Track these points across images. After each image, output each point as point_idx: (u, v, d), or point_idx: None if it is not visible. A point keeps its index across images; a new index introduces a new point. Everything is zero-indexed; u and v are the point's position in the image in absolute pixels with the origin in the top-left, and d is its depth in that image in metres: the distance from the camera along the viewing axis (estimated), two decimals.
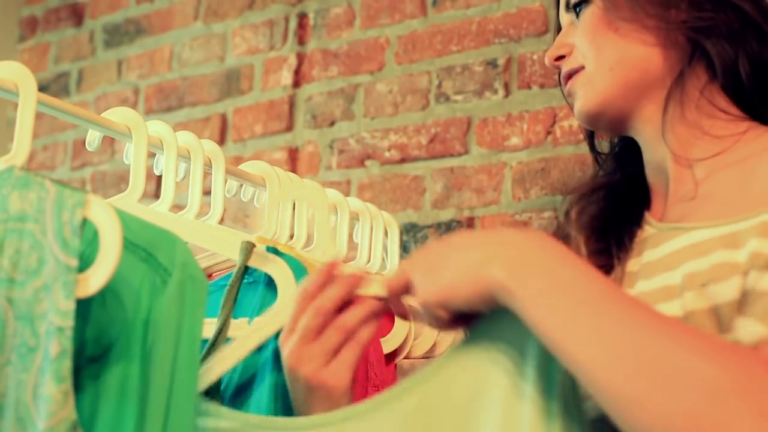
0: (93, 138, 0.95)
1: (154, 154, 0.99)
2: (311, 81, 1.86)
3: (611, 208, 0.94)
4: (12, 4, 2.39)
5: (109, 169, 2.13)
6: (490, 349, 0.71)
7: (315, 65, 1.86)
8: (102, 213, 0.68)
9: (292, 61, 1.90)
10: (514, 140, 1.59)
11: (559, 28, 0.96)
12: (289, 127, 1.87)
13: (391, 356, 1.08)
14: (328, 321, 0.82)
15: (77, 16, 2.29)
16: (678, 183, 0.87)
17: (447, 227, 1.63)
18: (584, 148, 1.52)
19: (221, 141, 1.96)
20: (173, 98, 2.06)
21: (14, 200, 0.70)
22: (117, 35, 2.20)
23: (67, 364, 0.65)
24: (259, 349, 0.94)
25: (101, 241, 0.68)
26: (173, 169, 0.97)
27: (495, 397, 0.70)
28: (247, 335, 0.88)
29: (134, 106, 2.11)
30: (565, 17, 0.93)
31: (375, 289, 0.80)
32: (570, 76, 0.91)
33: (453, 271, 0.71)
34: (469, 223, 1.61)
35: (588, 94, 0.89)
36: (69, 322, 0.65)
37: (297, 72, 1.89)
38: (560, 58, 0.92)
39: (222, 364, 0.86)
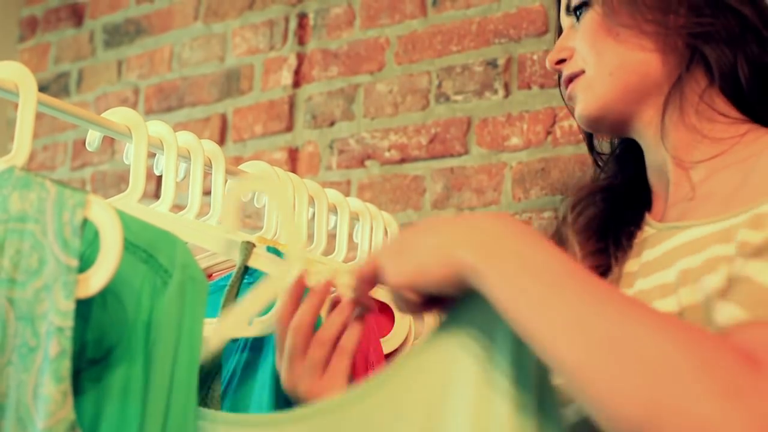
0: (93, 138, 0.95)
1: (154, 154, 0.99)
2: (311, 81, 1.86)
3: (611, 210, 0.95)
4: (12, 4, 2.39)
5: (109, 169, 2.13)
6: (461, 335, 0.71)
7: (315, 65, 1.86)
8: (103, 213, 0.68)
9: (292, 61, 1.90)
10: (514, 140, 1.59)
11: (560, 31, 0.96)
12: (289, 128, 1.87)
13: (391, 356, 1.08)
14: (310, 336, 0.83)
15: (77, 16, 2.29)
16: (678, 185, 0.88)
17: None
18: (584, 148, 1.51)
19: (221, 141, 1.96)
20: (173, 98, 2.06)
21: (15, 200, 0.70)
22: (117, 35, 2.20)
23: (66, 365, 0.65)
24: (260, 349, 0.94)
25: (102, 242, 0.68)
26: (173, 169, 0.97)
27: (465, 384, 0.70)
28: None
29: (134, 106, 2.11)
30: (566, 20, 0.94)
31: (344, 280, 0.80)
32: (571, 80, 0.91)
33: (423, 254, 0.70)
34: None
35: (588, 98, 0.89)
36: (68, 323, 0.65)
37: (297, 72, 1.89)
38: (561, 61, 0.92)
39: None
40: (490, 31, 1.66)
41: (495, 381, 0.69)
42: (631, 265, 0.89)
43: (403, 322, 1.09)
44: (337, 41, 1.84)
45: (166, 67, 2.09)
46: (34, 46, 2.36)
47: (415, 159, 1.69)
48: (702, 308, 0.73)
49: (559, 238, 0.95)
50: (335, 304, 0.86)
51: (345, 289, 0.82)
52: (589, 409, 0.63)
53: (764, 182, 0.76)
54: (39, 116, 0.81)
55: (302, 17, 1.91)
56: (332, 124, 1.81)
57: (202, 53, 2.04)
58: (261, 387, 0.92)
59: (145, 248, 0.71)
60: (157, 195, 0.97)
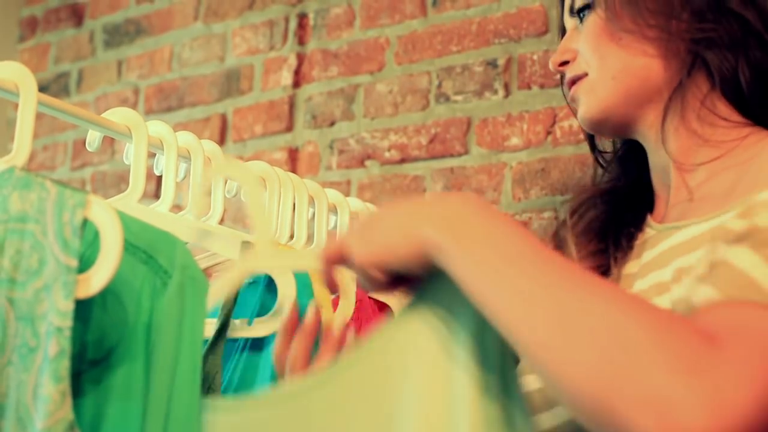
0: (93, 138, 0.95)
1: (154, 155, 0.99)
2: (311, 81, 1.86)
3: (612, 212, 0.95)
4: (12, 4, 2.39)
5: (109, 170, 2.13)
6: (426, 315, 0.72)
7: (315, 65, 1.86)
8: (103, 214, 0.68)
9: (292, 61, 1.90)
10: (514, 140, 1.59)
11: (563, 31, 0.96)
12: (289, 128, 1.87)
13: None
14: (306, 369, 0.83)
15: (77, 16, 2.29)
16: (678, 187, 0.88)
17: None
18: (584, 148, 1.52)
19: (221, 141, 1.96)
20: (173, 98, 2.06)
21: (15, 201, 0.70)
22: (117, 35, 2.20)
23: (65, 365, 0.65)
24: (260, 349, 0.94)
25: (102, 242, 0.68)
26: (173, 169, 0.97)
27: (429, 365, 0.70)
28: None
29: (134, 106, 2.11)
30: (570, 21, 0.94)
31: (308, 261, 0.80)
32: (574, 82, 0.91)
33: (388, 232, 0.71)
34: None
35: (591, 101, 0.89)
36: (68, 323, 0.65)
37: (297, 72, 1.89)
38: (564, 63, 0.93)
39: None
40: (490, 31, 1.66)
41: (458, 361, 0.69)
42: (631, 266, 0.89)
43: None
44: (337, 41, 1.84)
45: (166, 67, 2.09)
46: (34, 46, 2.36)
47: (415, 159, 1.69)
48: (685, 298, 0.73)
49: (558, 241, 0.95)
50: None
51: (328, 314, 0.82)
52: (548, 385, 0.63)
53: (756, 178, 0.76)
54: (39, 116, 0.81)
55: (302, 17, 1.91)
56: (332, 124, 1.81)
57: (202, 53, 2.04)
58: (261, 387, 0.92)
59: (145, 249, 0.71)
60: (157, 195, 0.97)
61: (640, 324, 0.61)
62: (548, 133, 1.56)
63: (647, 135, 0.90)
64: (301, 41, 1.90)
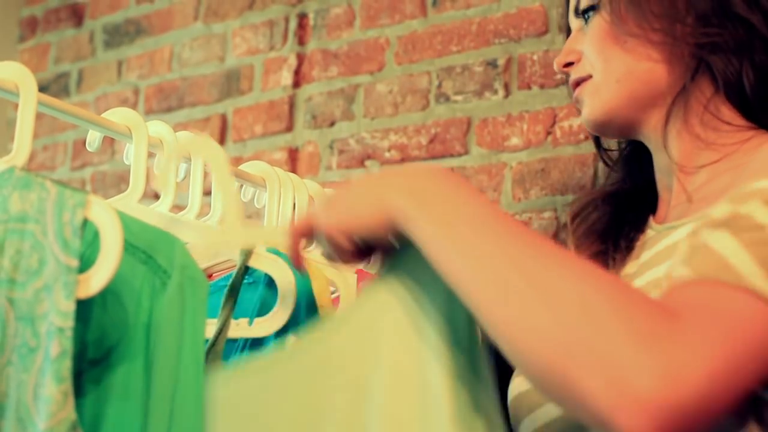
0: (93, 138, 0.95)
1: (154, 155, 0.99)
2: (311, 81, 1.86)
3: (614, 214, 0.95)
4: (12, 4, 2.39)
5: (109, 170, 2.13)
6: (396, 287, 0.72)
7: (315, 65, 1.86)
8: (103, 214, 0.68)
9: (292, 61, 1.90)
10: (514, 140, 1.59)
11: (568, 31, 0.96)
12: (289, 128, 1.87)
13: None
14: None
15: (77, 16, 2.29)
16: (680, 189, 0.88)
17: None
18: (584, 148, 1.52)
19: (221, 141, 1.96)
20: (173, 98, 2.06)
21: (15, 201, 0.70)
22: (117, 35, 2.20)
23: (67, 365, 0.65)
24: (260, 348, 0.94)
25: (102, 242, 0.68)
26: (173, 169, 0.97)
27: (398, 339, 0.71)
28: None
29: (134, 106, 2.11)
30: (575, 21, 0.94)
31: (277, 236, 0.80)
32: (578, 83, 0.92)
33: (356, 200, 0.72)
34: None
35: (595, 103, 0.89)
36: (69, 323, 0.65)
37: (297, 72, 1.89)
38: (569, 64, 0.93)
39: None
40: (490, 31, 1.66)
41: (428, 340, 0.70)
42: (630, 267, 0.89)
43: None
44: (337, 41, 1.84)
45: (166, 67, 2.09)
46: (34, 46, 2.36)
47: (415, 159, 1.69)
48: (664, 277, 0.73)
49: (558, 244, 0.96)
50: None
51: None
52: (505, 350, 0.64)
53: (749, 172, 0.76)
54: (39, 116, 0.81)
55: (302, 17, 1.91)
56: (332, 124, 1.81)
57: (202, 53, 2.04)
58: None
59: (145, 249, 0.71)
60: (157, 195, 0.97)
61: (600, 292, 0.61)
62: (548, 133, 1.56)
63: (651, 137, 0.90)
64: (301, 41, 1.90)
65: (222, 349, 0.90)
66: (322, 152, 1.81)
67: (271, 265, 0.92)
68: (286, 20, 1.93)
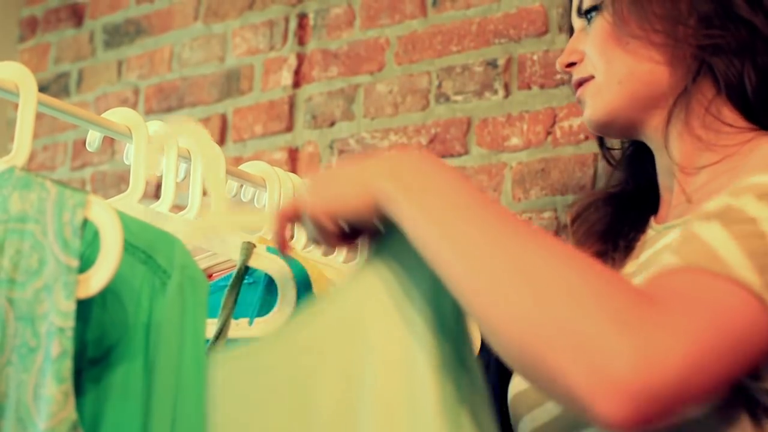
0: (93, 138, 0.95)
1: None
2: (311, 81, 1.86)
3: (615, 215, 0.95)
4: (12, 4, 2.39)
5: (109, 170, 2.13)
6: (382, 270, 0.73)
7: (315, 66, 1.86)
8: (103, 214, 0.68)
9: (292, 61, 1.90)
10: (514, 141, 1.59)
11: (571, 30, 0.97)
12: (289, 128, 1.87)
13: None
14: None
15: (77, 16, 2.29)
16: (680, 190, 0.88)
17: None
18: (584, 148, 1.52)
19: (221, 141, 1.96)
20: (173, 98, 2.06)
21: (15, 201, 0.70)
22: (117, 35, 2.20)
23: (67, 365, 0.65)
24: None
25: (102, 242, 0.68)
26: (173, 169, 0.97)
27: (383, 323, 0.71)
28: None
29: (134, 106, 2.11)
30: (577, 21, 0.94)
31: (263, 220, 0.81)
32: (580, 84, 0.92)
33: (342, 183, 0.73)
34: None
35: (597, 104, 0.90)
36: (70, 323, 0.65)
37: (297, 72, 1.89)
38: (571, 64, 0.93)
39: None
40: (490, 31, 1.66)
41: (412, 321, 0.71)
42: (630, 266, 0.89)
43: None
44: (337, 41, 1.84)
45: (166, 67, 2.09)
46: (34, 46, 2.36)
47: None
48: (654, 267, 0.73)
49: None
50: None
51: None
52: (484, 332, 0.64)
53: (746, 169, 0.77)
54: (39, 116, 0.81)
55: (302, 17, 1.91)
56: (332, 124, 1.81)
57: (202, 53, 2.04)
58: None
59: (144, 249, 0.71)
60: (157, 195, 0.97)
61: (582, 277, 0.61)
62: (548, 133, 1.56)
63: (653, 138, 0.90)
64: (301, 41, 1.90)
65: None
66: (322, 152, 1.81)
67: (272, 266, 0.92)
68: (286, 20, 1.93)
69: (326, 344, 0.73)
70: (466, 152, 1.64)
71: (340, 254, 1.14)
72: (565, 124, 1.54)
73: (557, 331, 0.59)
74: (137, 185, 0.92)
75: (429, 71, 1.71)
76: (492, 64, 1.64)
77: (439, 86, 1.69)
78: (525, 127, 1.59)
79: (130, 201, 0.91)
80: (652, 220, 0.93)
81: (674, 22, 0.85)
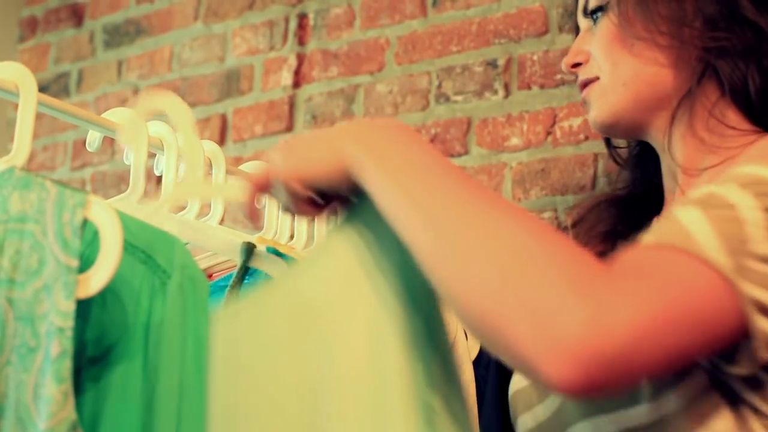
0: (93, 138, 0.95)
1: (154, 155, 0.99)
2: (311, 81, 1.86)
3: (618, 217, 0.95)
4: (12, 5, 2.39)
5: (109, 170, 2.13)
6: (354, 237, 0.73)
7: (315, 66, 1.86)
8: (103, 214, 0.68)
9: (292, 61, 1.90)
10: (514, 141, 1.59)
11: (576, 30, 0.97)
12: (289, 128, 1.87)
13: None
14: None
15: (77, 16, 2.29)
16: (683, 192, 0.88)
17: None
18: (584, 148, 1.52)
19: (221, 141, 1.96)
20: None
21: (15, 201, 0.70)
22: (117, 36, 2.20)
23: (67, 365, 0.65)
24: None
25: (102, 242, 0.68)
26: (173, 169, 0.97)
27: (354, 293, 0.72)
28: None
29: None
30: (583, 21, 0.94)
31: (235, 190, 0.81)
32: (585, 84, 0.92)
33: (312, 149, 0.74)
34: None
35: (602, 106, 0.90)
36: (69, 323, 0.65)
37: (297, 72, 1.89)
38: (577, 65, 0.93)
39: None
40: (490, 31, 1.66)
41: (382, 294, 0.71)
42: None
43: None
44: (337, 41, 1.84)
45: (166, 67, 2.09)
46: (34, 46, 2.36)
47: None
48: None
49: None
50: None
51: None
52: (443, 297, 0.65)
53: (737, 163, 0.77)
54: (39, 116, 0.81)
55: (302, 17, 1.91)
56: (332, 124, 1.81)
57: (202, 53, 2.04)
58: None
59: (144, 249, 0.71)
60: (157, 195, 0.97)
61: (539, 242, 0.62)
62: (548, 133, 1.56)
63: (657, 139, 0.90)
64: (301, 41, 1.90)
65: None
66: None
67: (272, 266, 0.93)
68: (286, 20, 1.93)
69: (295, 314, 0.74)
70: (466, 152, 1.64)
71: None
72: (565, 124, 1.54)
73: (514, 296, 0.60)
74: (137, 185, 0.92)
75: (429, 71, 1.71)
76: (492, 64, 1.64)
77: (439, 86, 1.69)
78: (525, 127, 1.59)
79: (129, 201, 0.91)
80: (655, 222, 0.93)
81: (680, 23, 0.85)
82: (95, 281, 0.67)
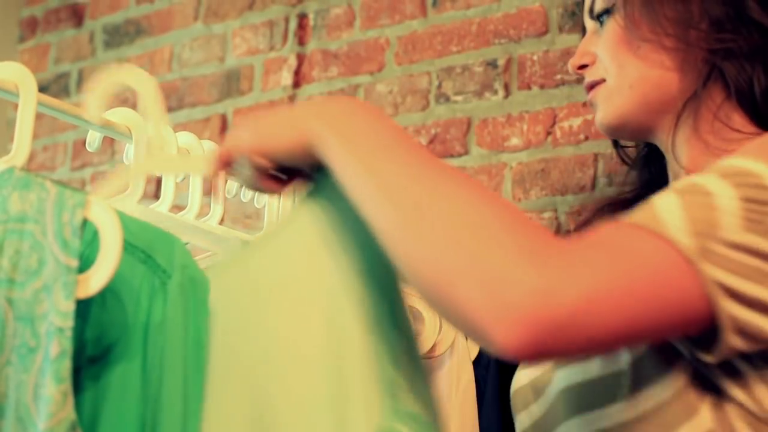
0: (93, 138, 0.95)
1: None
2: (311, 81, 1.86)
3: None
4: (12, 5, 2.39)
5: (109, 170, 2.13)
6: (317, 212, 0.74)
7: (315, 66, 1.86)
8: (102, 214, 0.68)
9: (292, 61, 1.90)
10: (514, 141, 1.59)
11: (584, 30, 0.97)
12: None
13: None
14: None
15: (77, 16, 2.29)
16: None
17: None
18: (584, 148, 1.52)
19: (221, 141, 1.95)
20: (173, 99, 2.06)
21: (14, 201, 0.70)
22: (117, 36, 2.20)
23: (66, 365, 0.65)
24: None
25: (101, 242, 0.68)
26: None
27: (310, 265, 0.73)
28: None
29: (134, 106, 2.10)
30: (590, 23, 0.94)
31: (199, 163, 0.82)
32: (592, 86, 0.92)
33: (274, 124, 0.75)
34: None
35: (608, 108, 0.90)
36: (69, 323, 0.65)
37: (297, 72, 1.89)
38: (583, 66, 0.93)
39: None
40: (490, 31, 1.66)
41: (343, 270, 0.71)
42: None
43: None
44: (337, 42, 1.84)
45: (166, 67, 2.09)
46: (34, 46, 2.36)
47: None
48: None
49: None
50: None
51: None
52: (401, 269, 0.66)
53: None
54: (39, 116, 0.81)
55: (302, 18, 1.91)
56: None
57: (202, 54, 2.04)
58: None
59: (144, 249, 0.71)
60: (157, 195, 0.97)
61: (495, 214, 0.63)
62: (548, 133, 1.56)
63: (664, 141, 0.90)
64: (301, 41, 1.90)
65: None
66: None
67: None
68: (286, 20, 1.93)
69: (255, 289, 0.74)
70: (466, 152, 1.64)
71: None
72: (565, 124, 1.54)
73: (468, 264, 0.61)
74: (137, 186, 0.92)
75: (429, 71, 1.71)
76: (492, 64, 1.64)
77: (439, 86, 1.69)
78: (525, 127, 1.59)
79: (129, 201, 0.91)
80: None
81: (686, 25, 0.85)
82: (95, 281, 0.67)
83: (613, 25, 0.89)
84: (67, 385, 0.65)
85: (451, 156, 1.65)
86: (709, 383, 0.70)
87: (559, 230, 1.49)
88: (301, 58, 1.89)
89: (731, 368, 0.69)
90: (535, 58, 1.60)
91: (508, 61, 1.63)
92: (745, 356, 0.68)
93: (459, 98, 1.66)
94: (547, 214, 1.53)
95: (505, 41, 1.63)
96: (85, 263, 0.68)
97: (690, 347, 0.69)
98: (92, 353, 0.69)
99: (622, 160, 1.04)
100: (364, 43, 1.81)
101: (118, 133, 0.93)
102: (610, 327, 0.61)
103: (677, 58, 0.86)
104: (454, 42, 1.69)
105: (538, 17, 1.61)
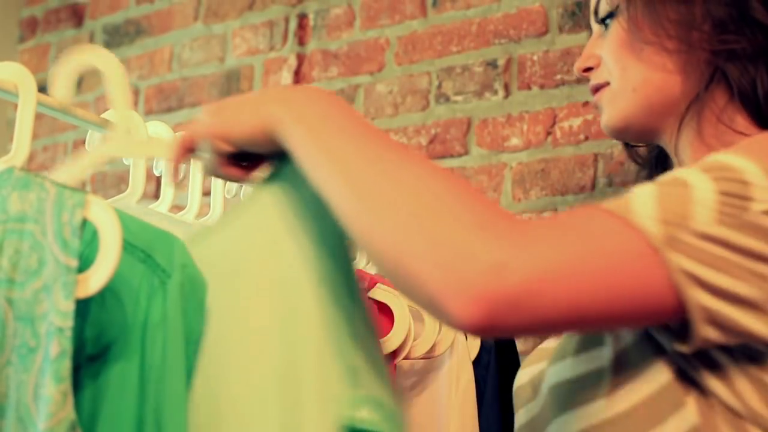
0: (93, 138, 0.95)
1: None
2: (311, 82, 1.86)
3: None
4: (12, 5, 2.40)
5: (109, 170, 2.13)
6: (278, 194, 0.75)
7: (315, 66, 1.86)
8: (102, 214, 0.68)
9: (292, 61, 1.90)
10: (514, 141, 1.59)
11: (590, 30, 0.97)
12: None
13: (391, 356, 1.08)
14: None
15: (77, 16, 2.29)
16: None
17: None
18: (584, 148, 1.52)
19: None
20: (173, 99, 2.06)
21: (14, 201, 0.70)
22: (117, 36, 2.20)
23: (66, 365, 0.65)
24: None
25: (101, 242, 0.68)
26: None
27: (269, 247, 0.73)
28: None
29: (134, 106, 2.11)
30: (595, 25, 0.94)
31: (162, 148, 0.82)
32: (597, 89, 0.92)
33: (238, 109, 0.76)
34: None
35: (612, 111, 0.90)
36: (69, 323, 0.65)
37: (297, 73, 1.89)
38: (588, 69, 0.93)
39: None
40: (490, 31, 1.66)
41: (302, 250, 0.72)
42: None
43: (402, 322, 1.10)
44: (337, 42, 1.84)
45: (166, 67, 2.09)
46: (34, 46, 2.36)
47: None
48: None
49: None
50: None
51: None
52: (362, 249, 0.67)
53: None
54: (39, 116, 0.81)
55: (302, 18, 1.91)
56: None
57: (202, 54, 2.04)
58: None
59: (143, 248, 0.71)
60: (157, 195, 0.97)
61: (452, 192, 0.64)
62: (548, 133, 1.56)
63: (668, 143, 0.91)
64: (301, 42, 1.90)
65: None
66: None
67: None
68: (286, 20, 1.93)
69: (214, 269, 0.74)
70: (466, 152, 1.64)
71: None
72: (565, 124, 1.54)
73: (425, 238, 0.62)
74: (137, 186, 0.92)
75: (429, 71, 1.71)
76: (492, 64, 1.64)
77: (439, 86, 1.69)
78: (525, 127, 1.59)
79: (129, 201, 0.91)
80: None
81: (688, 27, 0.84)
82: (94, 281, 0.67)
83: (616, 28, 0.89)
84: (67, 384, 0.64)
85: (451, 156, 1.65)
86: (692, 382, 0.70)
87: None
88: (301, 58, 1.89)
89: (712, 362, 0.69)
90: (535, 58, 1.60)
91: (508, 61, 1.63)
92: (726, 350, 0.68)
93: (459, 98, 1.66)
94: (546, 214, 1.53)
95: (505, 41, 1.63)
96: (85, 263, 0.68)
97: (668, 338, 0.69)
98: (91, 352, 0.69)
99: (634, 160, 1.04)
100: (364, 43, 1.81)
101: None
102: (562, 307, 0.62)
103: (680, 60, 0.86)
104: (454, 42, 1.69)
105: (538, 17, 1.61)
